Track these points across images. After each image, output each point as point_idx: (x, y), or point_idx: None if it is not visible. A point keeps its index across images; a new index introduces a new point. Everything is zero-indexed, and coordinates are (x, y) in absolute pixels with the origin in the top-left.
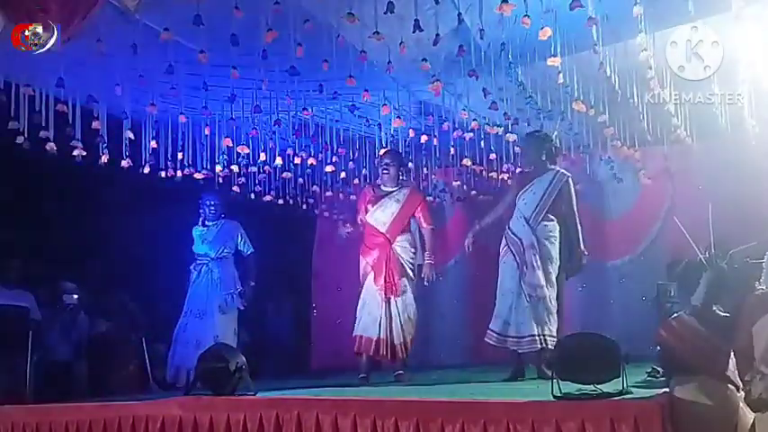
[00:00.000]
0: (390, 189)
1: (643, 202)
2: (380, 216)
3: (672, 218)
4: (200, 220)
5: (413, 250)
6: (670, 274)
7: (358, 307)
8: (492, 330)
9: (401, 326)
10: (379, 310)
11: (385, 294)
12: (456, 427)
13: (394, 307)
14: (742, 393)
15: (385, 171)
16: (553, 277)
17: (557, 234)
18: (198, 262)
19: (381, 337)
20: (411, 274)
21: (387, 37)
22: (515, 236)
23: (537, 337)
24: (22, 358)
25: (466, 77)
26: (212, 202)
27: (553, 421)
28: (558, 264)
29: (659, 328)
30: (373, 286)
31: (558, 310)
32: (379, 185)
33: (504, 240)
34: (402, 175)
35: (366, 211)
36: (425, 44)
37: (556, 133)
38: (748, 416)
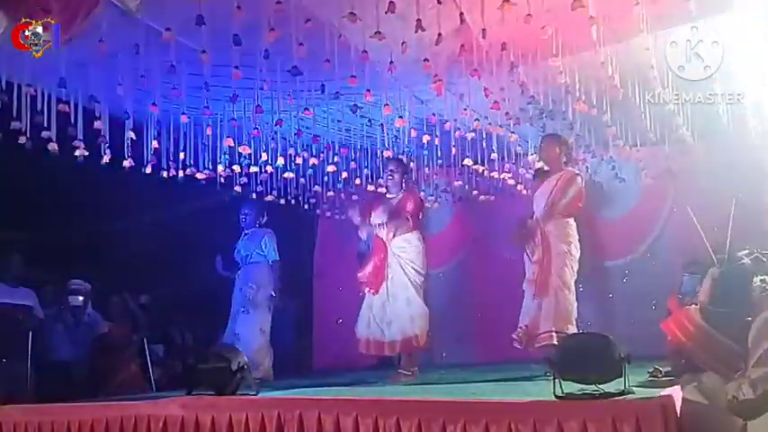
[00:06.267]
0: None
1: (645, 201)
2: None
3: (672, 218)
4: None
5: None
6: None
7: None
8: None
9: None
10: None
11: None
12: (457, 427)
13: None
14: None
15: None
16: (567, 275)
17: (571, 232)
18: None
19: None
20: None
21: (388, 37)
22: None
23: (552, 334)
24: (24, 357)
25: (468, 77)
26: (246, 212)
27: (555, 421)
28: (576, 263)
29: (667, 319)
30: None
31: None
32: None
33: None
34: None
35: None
36: (427, 44)
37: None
38: None
